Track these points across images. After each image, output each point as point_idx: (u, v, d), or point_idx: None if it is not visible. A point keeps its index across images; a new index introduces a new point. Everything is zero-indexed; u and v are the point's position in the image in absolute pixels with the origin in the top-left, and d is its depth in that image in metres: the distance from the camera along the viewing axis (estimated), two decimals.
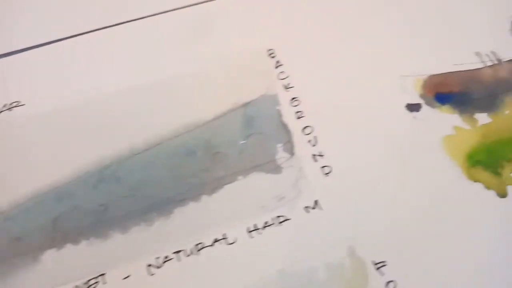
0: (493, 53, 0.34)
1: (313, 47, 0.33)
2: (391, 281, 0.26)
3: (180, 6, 0.34)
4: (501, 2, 0.35)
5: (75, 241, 0.27)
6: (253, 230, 0.28)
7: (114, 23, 0.34)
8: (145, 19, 0.34)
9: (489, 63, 0.33)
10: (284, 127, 0.31)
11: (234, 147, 0.30)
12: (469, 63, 0.33)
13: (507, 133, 0.31)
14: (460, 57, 0.33)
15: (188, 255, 0.27)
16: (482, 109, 0.32)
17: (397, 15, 0.35)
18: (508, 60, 0.34)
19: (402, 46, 0.33)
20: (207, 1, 0.34)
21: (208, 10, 0.34)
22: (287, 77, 0.32)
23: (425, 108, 0.32)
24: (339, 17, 0.34)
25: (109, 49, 0.34)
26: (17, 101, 0.32)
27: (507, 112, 0.32)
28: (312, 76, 0.32)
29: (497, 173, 0.30)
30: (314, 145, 0.30)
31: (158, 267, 0.27)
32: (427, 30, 0.34)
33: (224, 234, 0.27)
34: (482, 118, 0.31)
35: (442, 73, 0.33)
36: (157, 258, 0.27)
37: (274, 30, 0.34)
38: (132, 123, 0.31)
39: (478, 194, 0.29)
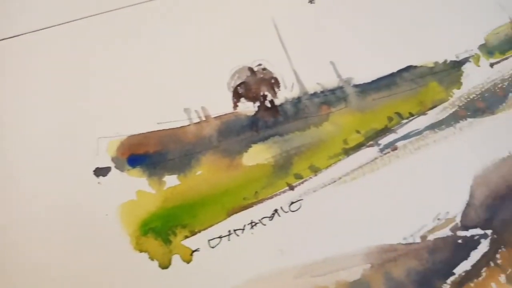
0: (203, 108, 0.33)
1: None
2: None
3: None
4: (218, 55, 0.35)
5: None
6: None
7: None
8: None
9: (196, 120, 0.33)
10: None
11: None
12: (175, 120, 0.33)
13: (191, 196, 0.30)
14: (166, 115, 0.33)
15: None
16: (173, 171, 0.31)
17: (99, 72, 0.33)
18: (216, 116, 0.33)
19: (101, 108, 0.32)
20: None
21: None
22: None
23: (113, 172, 0.31)
24: (42, 76, 0.33)
25: None
26: None
27: (199, 172, 0.31)
28: None
29: (167, 241, 0.29)
30: None
31: None
32: (131, 87, 0.33)
33: None
34: (171, 180, 0.31)
35: (142, 133, 0.32)
36: None
37: None
38: None
39: (142, 265, 0.28)
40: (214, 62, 0.35)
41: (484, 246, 0.29)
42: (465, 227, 0.30)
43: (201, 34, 0.36)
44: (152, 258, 0.28)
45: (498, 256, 0.29)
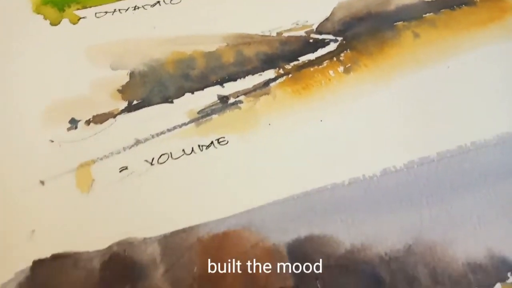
0: None
1: None
2: None
3: None
4: None
5: None
6: None
7: None
8: None
9: None
10: None
11: None
12: None
13: None
14: None
15: None
16: None
17: None
18: None
19: None
20: None
21: None
22: None
23: None
24: None
25: None
26: None
27: None
28: None
29: (62, 10, 0.34)
30: None
31: None
32: None
33: None
34: None
35: None
36: None
37: None
38: None
39: (37, 24, 0.34)
40: None
41: (331, 47, 0.34)
42: (319, 33, 0.34)
43: None
44: (45, 18, 0.34)
45: (342, 55, 0.33)
